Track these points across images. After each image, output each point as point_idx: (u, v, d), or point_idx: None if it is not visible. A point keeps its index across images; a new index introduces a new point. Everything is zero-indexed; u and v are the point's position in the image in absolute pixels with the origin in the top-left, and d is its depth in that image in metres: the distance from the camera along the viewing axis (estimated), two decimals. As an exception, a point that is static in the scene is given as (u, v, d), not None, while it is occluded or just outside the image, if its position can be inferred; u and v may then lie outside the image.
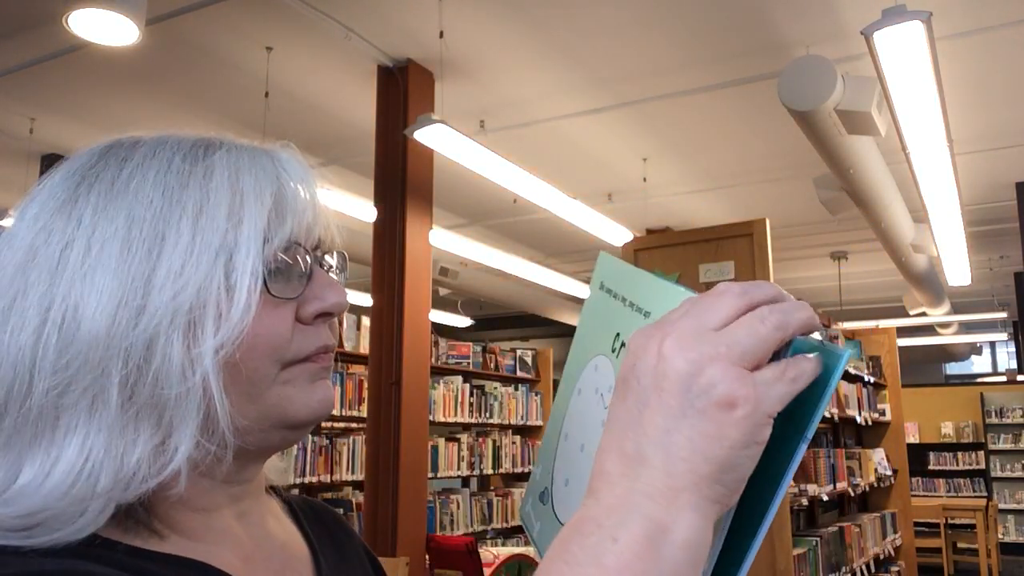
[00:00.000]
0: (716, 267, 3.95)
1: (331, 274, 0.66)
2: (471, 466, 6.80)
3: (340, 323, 5.58)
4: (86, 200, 0.56)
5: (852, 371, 5.39)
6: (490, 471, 7.06)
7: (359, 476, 5.67)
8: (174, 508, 0.57)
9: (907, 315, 11.51)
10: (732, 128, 6.41)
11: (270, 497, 0.72)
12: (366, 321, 5.88)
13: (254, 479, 0.65)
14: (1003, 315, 12.49)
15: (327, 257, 0.66)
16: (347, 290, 0.64)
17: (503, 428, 7.39)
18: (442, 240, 6.99)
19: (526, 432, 7.67)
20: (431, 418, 6.02)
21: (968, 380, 15.28)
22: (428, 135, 4.77)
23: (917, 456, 10.27)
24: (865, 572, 5.08)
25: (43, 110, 6.02)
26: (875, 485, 5.67)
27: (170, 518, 0.57)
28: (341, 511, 0.78)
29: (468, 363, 7.04)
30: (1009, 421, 11.12)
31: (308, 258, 0.61)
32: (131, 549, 0.54)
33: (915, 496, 9.18)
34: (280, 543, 0.67)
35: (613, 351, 0.62)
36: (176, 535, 0.57)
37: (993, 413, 11.20)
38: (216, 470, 0.59)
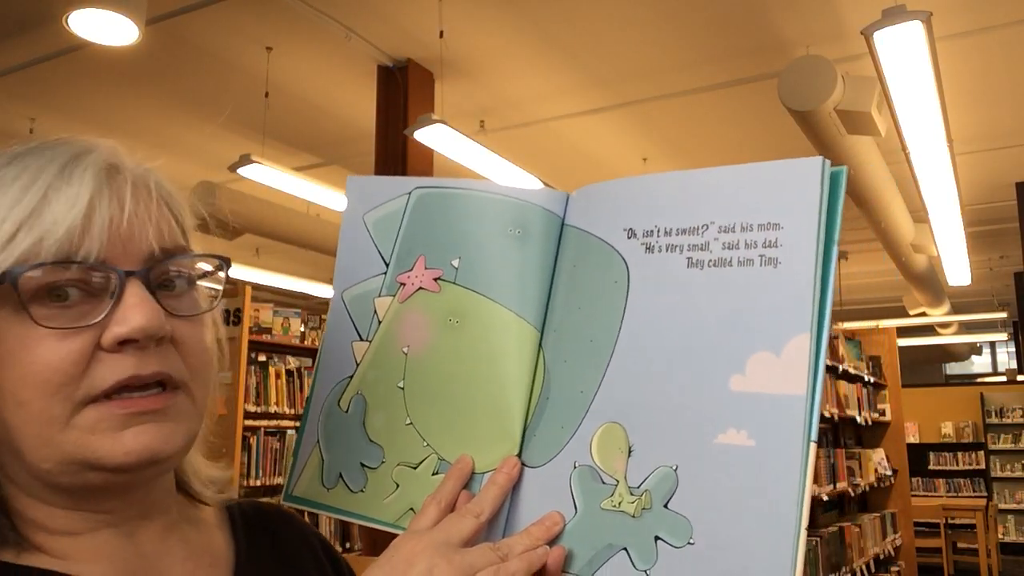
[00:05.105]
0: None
1: (206, 283, 0.61)
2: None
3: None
4: None
5: (852, 371, 5.39)
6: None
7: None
8: (34, 532, 0.57)
9: (907, 315, 11.51)
10: (732, 128, 6.41)
11: (202, 506, 0.69)
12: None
13: (132, 506, 0.60)
14: (1003, 315, 12.49)
15: (182, 270, 0.59)
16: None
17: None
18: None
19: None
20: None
21: (968, 380, 15.28)
22: (428, 135, 4.77)
23: (917, 456, 10.25)
24: (865, 572, 5.08)
25: (43, 110, 6.02)
26: (875, 485, 5.67)
27: (36, 539, 0.57)
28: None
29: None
30: (1009, 421, 11.10)
31: (109, 276, 0.55)
32: None
33: (915, 496, 9.17)
34: (188, 554, 0.64)
35: None
36: (44, 554, 0.57)
37: (993, 413, 11.18)
38: (63, 502, 0.57)
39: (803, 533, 0.52)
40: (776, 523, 0.53)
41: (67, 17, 3.67)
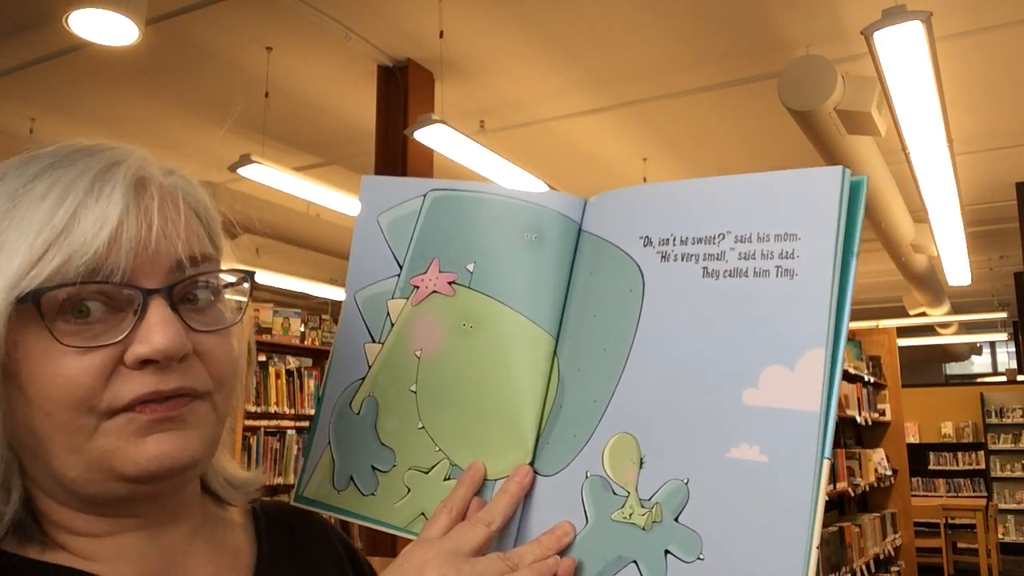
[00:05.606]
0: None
1: (233, 296, 0.61)
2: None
3: (340, 323, 5.57)
4: None
5: (852, 371, 5.39)
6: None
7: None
8: (58, 532, 0.59)
9: (907, 315, 11.51)
10: (732, 128, 6.41)
11: (228, 507, 0.71)
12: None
13: (159, 511, 0.61)
14: (1003, 315, 12.48)
15: (209, 280, 0.60)
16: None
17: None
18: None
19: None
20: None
21: (968, 380, 15.28)
22: (428, 135, 4.77)
23: (917, 456, 10.25)
24: (865, 572, 5.08)
25: (43, 110, 6.02)
26: (875, 485, 5.67)
27: (61, 539, 0.58)
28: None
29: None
30: (1009, 421, 11.10)
31: (133, 295, 0.55)
32: (12, 557, 0.56)
33: (915, 496, 9.17)
34: (210, 556, 0.65)
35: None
36: (68, 552, 0.58)
37: (993, 413, 11.18)
38: (88, 509, 0.58)
39: (815, 551, 0.52)
40: (787, 541, 0.52)
41: (67, 17, 3.67)
